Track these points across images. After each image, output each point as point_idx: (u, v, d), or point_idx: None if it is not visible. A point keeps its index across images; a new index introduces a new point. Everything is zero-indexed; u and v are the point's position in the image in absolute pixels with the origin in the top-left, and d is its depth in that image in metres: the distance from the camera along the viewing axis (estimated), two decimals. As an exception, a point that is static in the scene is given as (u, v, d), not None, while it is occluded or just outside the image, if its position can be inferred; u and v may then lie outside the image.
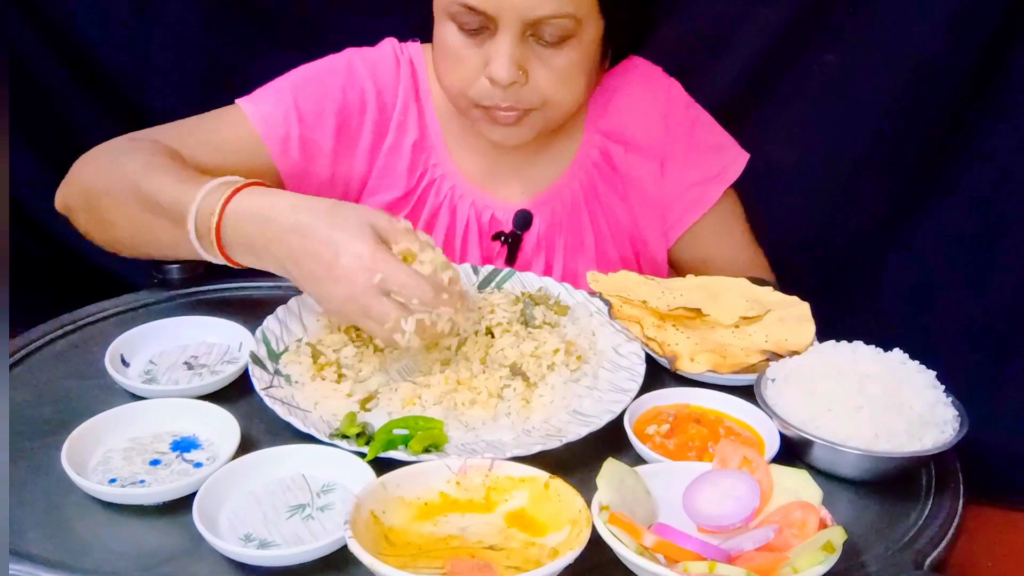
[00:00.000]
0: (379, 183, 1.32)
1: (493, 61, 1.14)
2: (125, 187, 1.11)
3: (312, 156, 1.27)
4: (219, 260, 1.06)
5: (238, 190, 1.03)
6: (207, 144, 1.21)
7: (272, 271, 1.03)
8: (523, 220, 1.32)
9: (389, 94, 1.31)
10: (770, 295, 1.16)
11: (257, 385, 0.98)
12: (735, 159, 1.36)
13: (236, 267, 1.06)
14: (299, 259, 0.98)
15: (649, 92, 1.35)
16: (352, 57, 1.31)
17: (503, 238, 1.33)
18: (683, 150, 1.35)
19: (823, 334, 1.07)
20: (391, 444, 0.90)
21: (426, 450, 0.91)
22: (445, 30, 1.18)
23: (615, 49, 1.28)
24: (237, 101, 1.27)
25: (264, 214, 1.00)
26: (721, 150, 1.37)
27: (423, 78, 1.33)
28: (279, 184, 1.25)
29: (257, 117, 1.24)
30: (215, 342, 1.10)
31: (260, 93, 1.28)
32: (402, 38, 1.35)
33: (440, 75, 1.23)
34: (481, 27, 1.14)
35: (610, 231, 1.37)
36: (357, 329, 1.07)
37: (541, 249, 1.34)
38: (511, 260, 1.33)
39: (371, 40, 1.34)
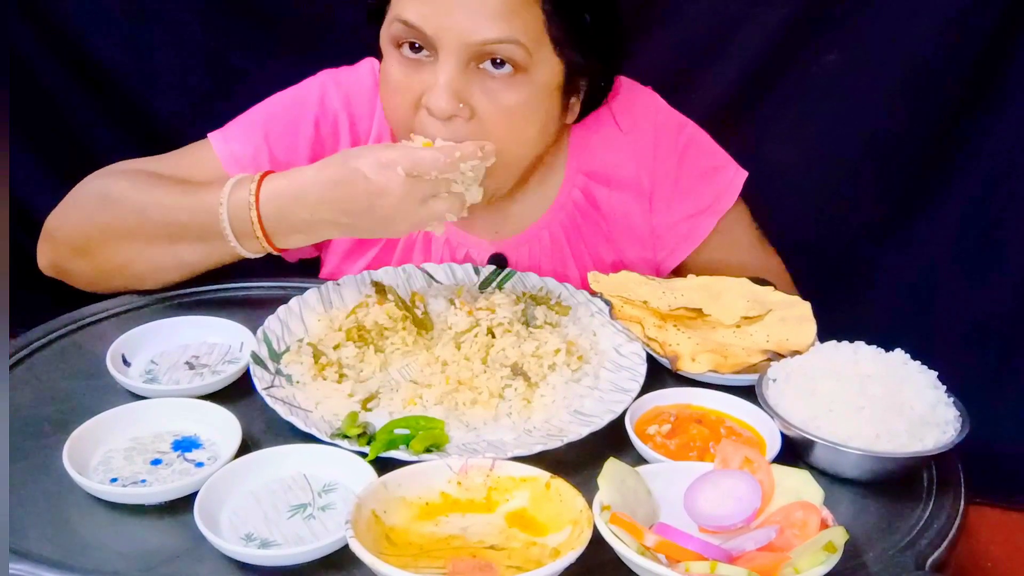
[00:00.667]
0: None
1: (431, 90, 1.07)
2: (129, 223, 1.11)
3: None
4: (261, 253, 1.10)
5: (261, 181, 1.07)
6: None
7: (330, 237, 1.09)
8: (497, 264, 1.26)
9: (363, 123, 1.26)
10: (771, 295, 1.16)
11: (258, 385, 0.98)
12: (731, 181, 1.31)
13: (277, 253, 1.11)
14: (344, 206, 1.03)
15: (635, 123, 1.27)
16: (326, 83, 1.26)
17: None
18: (673, 182, 1.29)
19: (824, 334, 1.07)
20: (392, 444, 0.90)
21: (427, 450, 0.91)
22: (389, 61, 1.12)
23: (582, 104, 1.20)
24: (209, 136, 1.24)
25: (295, 190, 1.05)
26: (716, 174, 1.31)
27: None
28: None
29: (227, 157, 1.21)
30: (216, 342, 1.10)
31: (231, 129, 1.24)
32: None
33: (385, 109, 1.18)
34: (423, 55, 1.08)
35: (596, 270, 1.29)
36: (359, 329, 1.07)
37: None
38: None
39: (375, 41, 1.31)
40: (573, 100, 1.19)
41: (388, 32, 1.10)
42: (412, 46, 1.09)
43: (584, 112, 1.22)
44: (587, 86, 1.19)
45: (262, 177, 1.08)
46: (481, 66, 1.07)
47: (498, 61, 1.07)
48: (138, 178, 1.15)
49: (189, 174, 1.20)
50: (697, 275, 1.21)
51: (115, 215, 1.12)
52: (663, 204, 1.30)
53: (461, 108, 1.07)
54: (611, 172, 1.29)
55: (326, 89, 1.25)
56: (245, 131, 1.23)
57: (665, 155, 1.29)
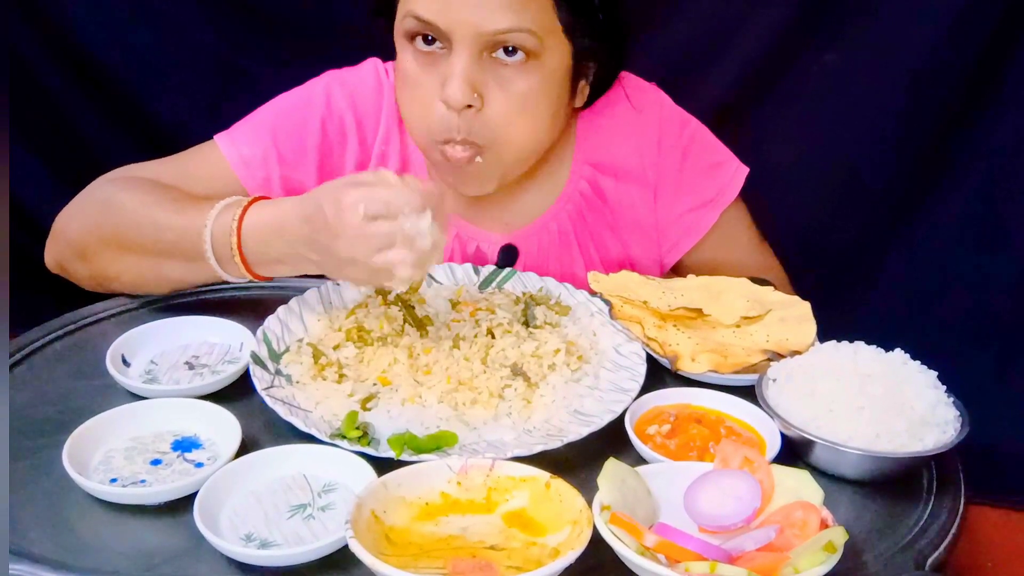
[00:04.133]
0: None
1: (447, 81, 1.08)
2: (122, 235, 1.10)
3: (296, 194, 1.20)
4: (245, 279, 1.07)
5: (246, 209, 1.03)
6: (187, 183, 1.19)
7: (309, 272, 1.04)
8: (508, 256, 1.28)
9: (370, 123, 1.27)
10: (771, 295, 1.16)
11: (258, 385, 0.98)
12: (733, 177, 1.32)
13: (261, 280, 1.07)
14: (312, 243, 0.98)
15: (640, 116, 1.29)
16: (330, 84, 1.26)
17: None
18: (677, 175, 1.30)
19: (824, 334, 1.07)
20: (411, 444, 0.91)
21: (437, 447, 0.91)
22: (404, 56, 1.13)
23: (591, 89, 1.21)
24: (215, 137, 1.24)
25: (275, 222, 1.01)
26: (718, 169, 1.32)
27: None
28: None
29: (236, 160, 1.22)
30: (216, 342, 1.10)
31: (238, 131, 1.24)
32: None
33: (401, 106, 1.18)
34: (437, 47, 1.09)
35: (601, 263, 1.33)
36: (359, 329, 1.07)
37: None
38: None
39: (380, 44, 1.31)
40: (582, 84, 1.20)
41: (401, 27, 1.11)
42: (425, 39, 1.10)
43: (592, 97, 1.24)
44: (595, 69, 1.20)
45: (248, 204, 1.04)
46: (494, 55, 1.09)
47: (510, 49, 1.08)
48: (139, 190, 1.14)
49: (197, 177, 1.20)
50: (696, 275, 1.21)
51: (112, 227, 1.11)
52: (667, 198, 1.31)
53: (475, 98, 1.08)
54: (617, 164, 1.30)
55: (331, 90, 1.26)
56: (253, 133, 1.23)
57: (669, 149, 1.30)
